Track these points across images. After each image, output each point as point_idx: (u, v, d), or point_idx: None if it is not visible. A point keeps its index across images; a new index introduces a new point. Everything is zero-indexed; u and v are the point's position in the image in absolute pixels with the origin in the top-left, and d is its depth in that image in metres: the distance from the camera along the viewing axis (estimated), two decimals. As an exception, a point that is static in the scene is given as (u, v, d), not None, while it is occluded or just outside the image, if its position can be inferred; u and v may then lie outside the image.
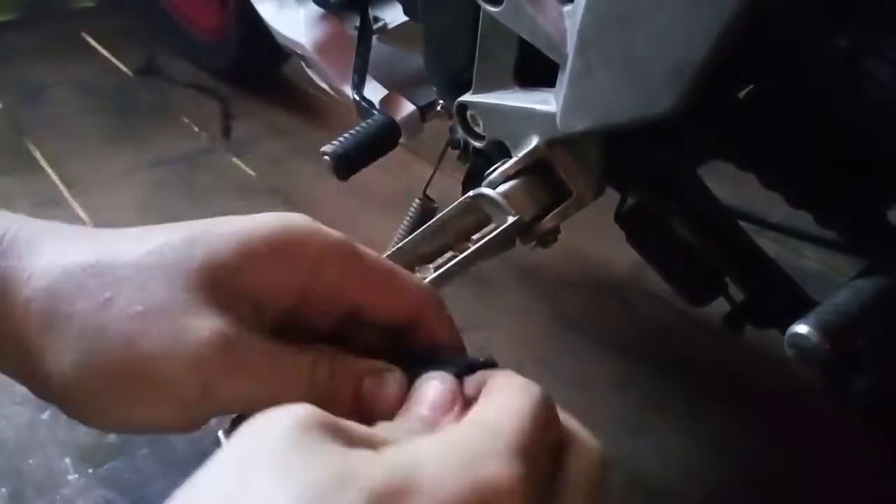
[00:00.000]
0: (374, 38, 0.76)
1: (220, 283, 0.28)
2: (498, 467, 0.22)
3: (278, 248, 0.29)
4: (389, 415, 0.28)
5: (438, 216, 0.43)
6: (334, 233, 0.31)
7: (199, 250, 0.28)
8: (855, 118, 0.40)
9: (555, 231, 0.46)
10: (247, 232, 0.29)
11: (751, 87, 0.45)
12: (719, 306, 0.54)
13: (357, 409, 0.29)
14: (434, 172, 0.75)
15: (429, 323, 0.32)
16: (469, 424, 0.25)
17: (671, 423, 0.78)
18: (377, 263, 0.32)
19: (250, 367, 0.28)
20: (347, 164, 0.66)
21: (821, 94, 0.41)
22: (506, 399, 0.26)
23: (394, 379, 0.30)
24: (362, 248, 0.32)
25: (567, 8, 0.38)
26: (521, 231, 0.43)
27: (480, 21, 0.45)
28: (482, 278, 0.94)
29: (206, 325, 0.27)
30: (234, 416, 0.30)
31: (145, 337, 0.27)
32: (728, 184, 0.56)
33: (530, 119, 0.44)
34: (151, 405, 0.28)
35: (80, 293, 0.27)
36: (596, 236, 0.93)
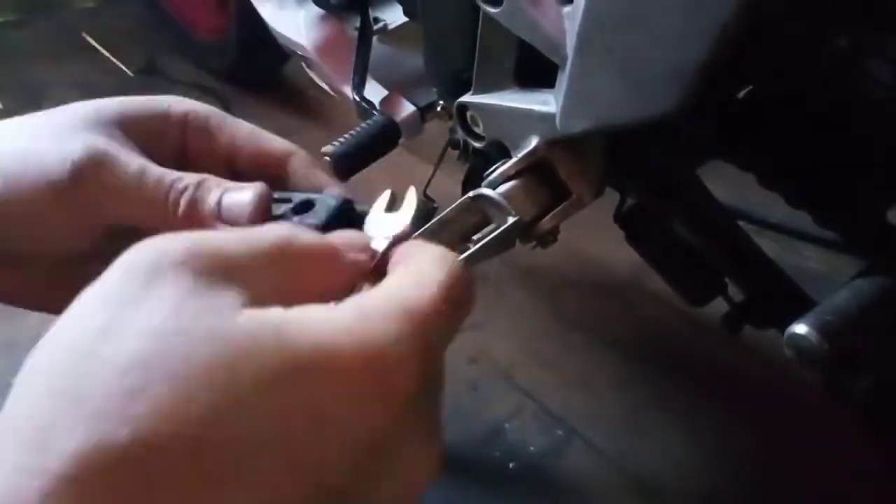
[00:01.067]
0: (375, 38, 0.76)
1: (106, 125, 0.34)
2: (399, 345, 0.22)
3: (152, 115, 0.36)
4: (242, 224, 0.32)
5: (438, 216, 0.43)
6: (202, 106, 0.37)
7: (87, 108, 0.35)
8: (855, 118, 0.40)
9: (555, 231, 0.46)
10: (129, 102, 0.36)
11: (751, 87, 0.45)
12: (719, 306, 0.54)
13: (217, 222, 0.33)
14: (434, 172, 0.75)
15: (297, 177, 0.37)
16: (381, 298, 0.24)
17: (671, 423, 0.78)
18: (242, 125, 0.37)
19: (118, 179, 0.32)
20: (347, 164, 0.66)
21: (821, 95, 0.41)
22: (419, 270, 0.26)
23: (254, 190, 0.33)
24: (229, 116, 0.38)
25: (567, 9, 0.38)
26: (521, 231, 0.43)
27: (480, 22, 0.45)
28: (482, 278, 0.93)
29: (83, 142, 0.32)
30: None
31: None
32: (728, 184, 0.56)
33: (530, 119, 0.44)
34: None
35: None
36: (596, 236, 0.93)
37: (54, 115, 0.35)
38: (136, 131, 0.35)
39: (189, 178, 0.33)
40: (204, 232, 0.24)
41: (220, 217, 0.33)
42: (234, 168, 0.37)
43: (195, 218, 0.33)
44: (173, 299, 0.21)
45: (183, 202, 0.33)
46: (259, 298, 0.23)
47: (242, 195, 0.33)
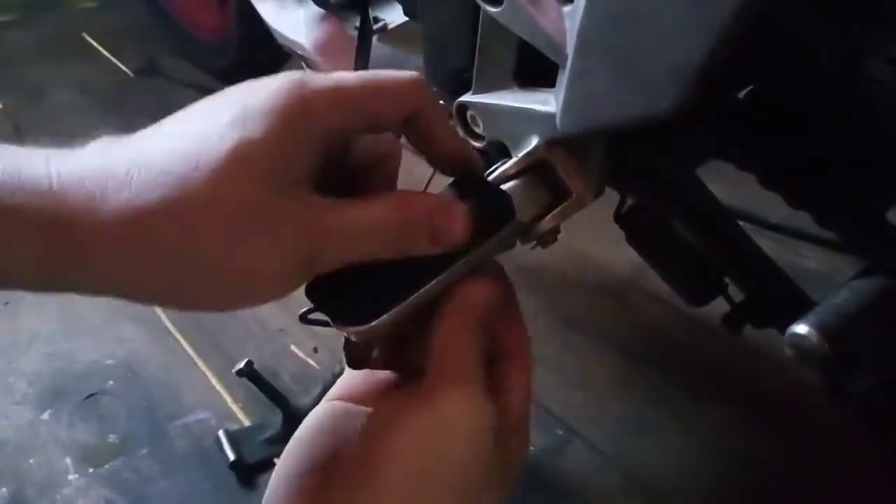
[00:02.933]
0: (375, 38, 0.76)
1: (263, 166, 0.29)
2: None
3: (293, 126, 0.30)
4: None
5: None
6: (318, 83, 0.31)
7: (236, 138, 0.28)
8: (855, 118, 0.40)
9: (555, 231, 0.46)
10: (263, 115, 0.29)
11: (751, 87, 0.45)
12: (719, 306, 0.54)
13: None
14: (434, 172, 0.74)
15: (427, 116, 0.34)
16: None
17: (671, 423, 0.78)
18: (356, 84, 0.32)
19: (326, 226, 0.30)
20: (347, 165, 0.66)
21: (821, 95, 0.41)
22: None
23: (460, 211, 0.33)
24: (341, 79, 0.32)
25: (567, 8, 0.38)
26: (521, 231, 0.43)
27: (480, 21, 0.45)
28: (482, 278, 0.93)
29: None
30: None
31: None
32: (728, 184, 0.56)
33: (530, 119, 0.44)
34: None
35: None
36: (596, 236, 0.93)
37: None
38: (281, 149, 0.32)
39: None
40: None
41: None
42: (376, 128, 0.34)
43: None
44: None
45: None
46: None
47: None
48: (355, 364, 0.38)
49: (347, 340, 0.38)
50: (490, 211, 0.38)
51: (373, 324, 0.33)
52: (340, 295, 0.34)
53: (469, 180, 0.37)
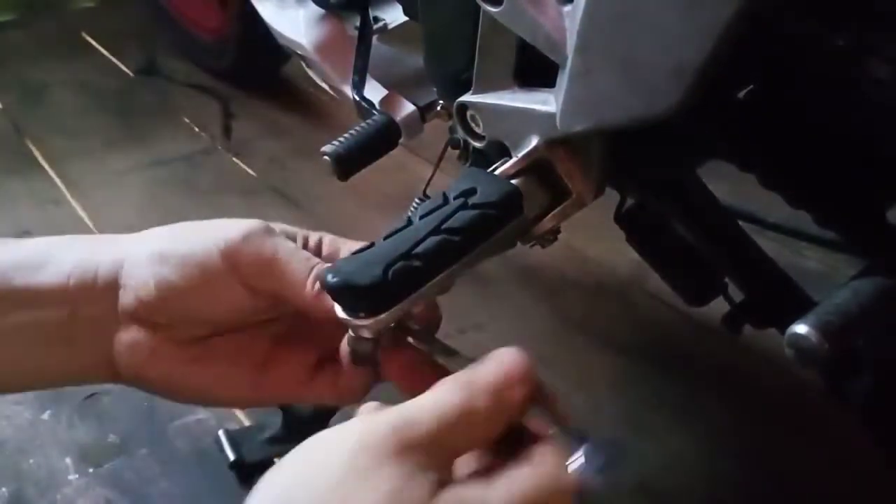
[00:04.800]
0: (375, 38, 0.76)
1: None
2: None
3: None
4: None
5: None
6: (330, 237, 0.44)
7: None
8: (855, 118, 0.40)
9: (555, 231, 0.46)
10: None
11: (751, 87, 0.45)
12: (719, 306, 0.54)
13: None
14: (434, 172, 0.75)
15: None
16: None
17: (671, 423, 0.78)
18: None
19: None
20: (347, 164, 0.66)
21: (821, 95, 0.41)
22: None
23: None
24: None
25: (567, 8, 0.38)
26: (521, 231, 0.43)
27: (480, 21, 0.45)
28: (482, 278, 0.94)
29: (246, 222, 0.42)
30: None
31: None
32: (728, 184, 0.56)
33: (530, 119, 0.44)
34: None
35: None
36: (596, 236, 0.93)
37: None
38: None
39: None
40: (396, 410, 0.30)
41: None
42: None
43: (324, 299, 0.38)
44: (383, 491, 0.27)
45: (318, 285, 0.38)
46: (448, 465, 0.31)
47: None
48: (360, 361, 0.39)
49: (352, 339, 0.39)
50: (498, 203, 0.39)
51: (381, 317, 0.35)
52: (350, 287, 0.35)
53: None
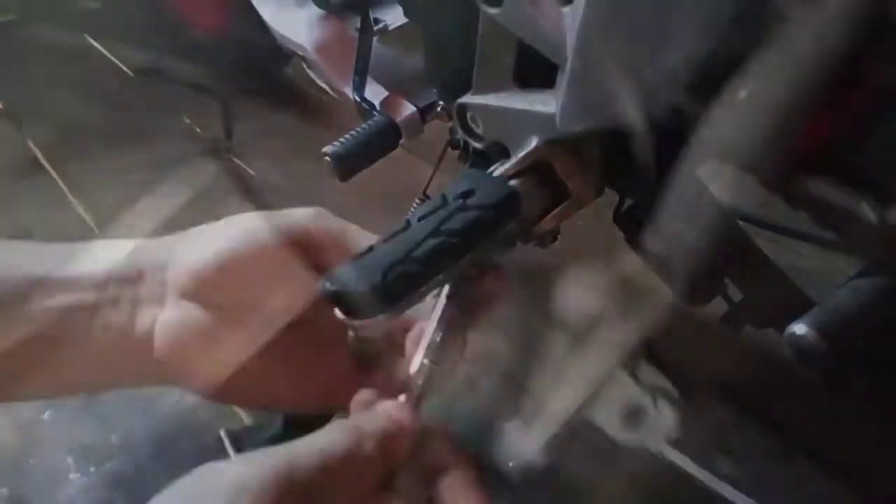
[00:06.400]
0: (375, 39, 0.77)
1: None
2: None
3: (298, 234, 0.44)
4: None
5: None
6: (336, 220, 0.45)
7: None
8: (855, 118, 0.40)
9: (554, 231, 0.46)
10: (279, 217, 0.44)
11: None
12: (719, 306, 0.54)
13: None
14: (434, 172, 0.75)
15: None
16: None
17: (671, 423, 0.78)
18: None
19: None
20: (348, 165, 0.66)
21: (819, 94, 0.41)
22: None
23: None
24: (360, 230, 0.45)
25: (567, 9, 0.38)
26: (521, 231, 0.43)
27: (480, 23, 0.45)
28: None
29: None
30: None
31: None
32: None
33: (530, 120, 0.44)
34: None
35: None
36: (596, 236, 0.93)
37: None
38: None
39: None
40: (283, 452, 0.32)
41: None
42: None
43: None
44: None
45: None
46: None
47: None
48: (363, 363, 0.40)
49: (356, 340, 0.39)
50: (496, 204, 0.39)
51: (381, 318, 0.35)
52: (349, 294, 0.35)
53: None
